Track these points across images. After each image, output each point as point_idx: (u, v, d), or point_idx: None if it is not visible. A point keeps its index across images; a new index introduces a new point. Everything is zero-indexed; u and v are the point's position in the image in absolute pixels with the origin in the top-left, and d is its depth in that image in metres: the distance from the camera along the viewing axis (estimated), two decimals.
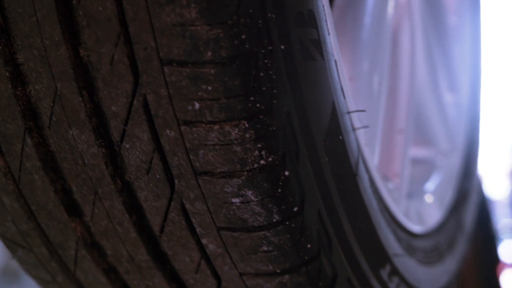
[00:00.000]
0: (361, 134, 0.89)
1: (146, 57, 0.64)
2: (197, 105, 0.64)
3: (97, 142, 0.71)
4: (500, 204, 5.64)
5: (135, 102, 0.67)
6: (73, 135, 0.72)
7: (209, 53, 0.62)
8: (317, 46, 0.72)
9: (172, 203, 0.73)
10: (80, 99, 0.69)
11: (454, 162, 1.61)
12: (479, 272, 2.81)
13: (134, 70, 0.65)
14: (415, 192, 1.41)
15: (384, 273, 0.94)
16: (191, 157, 0.68)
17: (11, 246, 0.89)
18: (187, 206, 0.72)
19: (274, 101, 0.66)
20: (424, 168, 1.53)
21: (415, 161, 1.53)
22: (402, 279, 1.02)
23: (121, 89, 0.67)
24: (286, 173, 0.70)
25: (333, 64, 0.77)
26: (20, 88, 0.72)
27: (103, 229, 0.79)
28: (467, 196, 1.64)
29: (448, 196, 1.52)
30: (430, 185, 1.49)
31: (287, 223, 0.72)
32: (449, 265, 1.39)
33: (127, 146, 0.70)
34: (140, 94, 0.66)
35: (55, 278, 0.90)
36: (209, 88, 0.63)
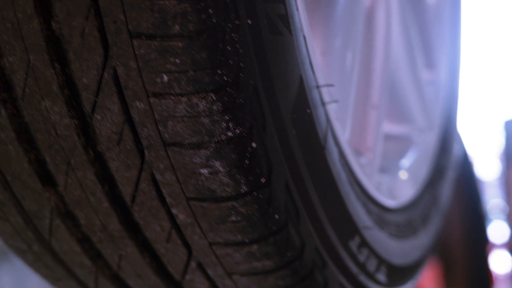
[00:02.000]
0: (333, 109, 0.91)
1: (115, 31, 0.65)
2: (165, 78, 0.66)
3: (69, 114, 0.73)
4: (490, 185, 5.68)
5: (105, 74, 0.68)
6: (46, 106, 0.73)
7: (177, 27, 0.63)
8: (285, 21, 0.74)
9: (142, 174, 0.74)
10: (52, 71, 0.70)
11: (431, 138, 1.63)
12: (468, 253, 2.85)
13: (104, 43, 0.67)
14: (390, 167, 1.42)
15: (353, 244, 0.96)
16: (160, 128, 0.70)
17: None
18: (157, 176, 0.74)
19: (241, 74, 0.68)
20: (400, 144, 1.55)
21: (391, 137, 1.54)
22: (372, 251, 1.04)
23: (91, 61, 0.68)
24: (254, 144, 0.71)
25: (301, 39, 0.79)
26: None
27: (76, 199, 0.80)
28: (444, 172, 1.66)
29: (424, 171, 1.54)
30: (406, 161, 1.51)
31: (255, 194, 0.74)
32: (422, 240, 1.40)
33: (98, 117, 0.72)
34: (110, 67, 0.67)
35: (31, 247, 0.91)
36: (177, 61, 0.65)
